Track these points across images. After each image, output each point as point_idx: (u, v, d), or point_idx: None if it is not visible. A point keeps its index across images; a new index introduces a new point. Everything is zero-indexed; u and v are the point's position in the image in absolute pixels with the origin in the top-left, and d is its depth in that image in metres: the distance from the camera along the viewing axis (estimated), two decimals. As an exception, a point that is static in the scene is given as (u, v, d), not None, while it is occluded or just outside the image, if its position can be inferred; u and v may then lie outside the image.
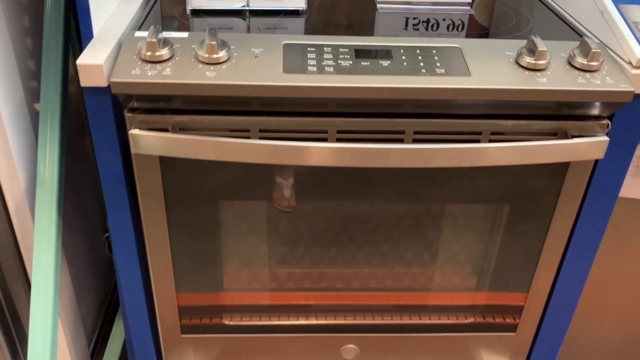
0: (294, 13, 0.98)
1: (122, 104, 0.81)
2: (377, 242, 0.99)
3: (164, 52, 0.79)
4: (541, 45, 0.81)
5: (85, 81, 0.78)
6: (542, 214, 0.94)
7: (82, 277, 1.27)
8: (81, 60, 0.77)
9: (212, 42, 0.79)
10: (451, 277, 1.05)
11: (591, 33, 0.92)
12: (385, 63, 0.82)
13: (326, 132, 0.84)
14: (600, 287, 1.10)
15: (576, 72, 0.82)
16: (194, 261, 0.97)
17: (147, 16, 0.93)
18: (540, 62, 0.81)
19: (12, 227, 1.01)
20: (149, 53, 0.78)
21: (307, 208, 0.95)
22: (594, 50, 0.81)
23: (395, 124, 0.84)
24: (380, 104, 0.82)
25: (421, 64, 0.82)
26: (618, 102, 0.82)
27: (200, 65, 0.79)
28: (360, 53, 0.84)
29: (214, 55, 0.79)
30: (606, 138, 0.84)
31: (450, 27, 0.99)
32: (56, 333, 0.97)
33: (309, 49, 0.83)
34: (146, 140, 0.81)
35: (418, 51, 0.84)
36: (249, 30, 0.92)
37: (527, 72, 0.82)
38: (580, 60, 0.82)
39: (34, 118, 1.01)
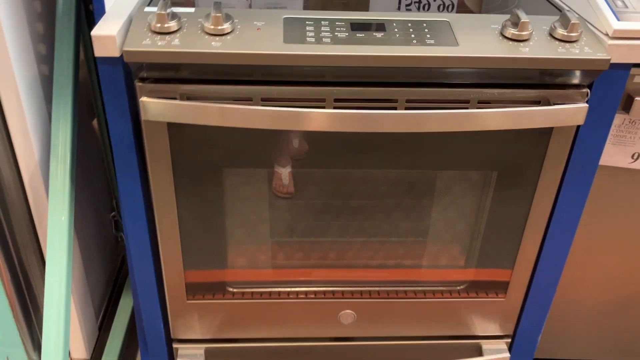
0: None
1: (133, 73, 0.87)
2: (372, 212, 1.05)
3: (173, 24, 0.85)
4: (524, 17, 0.87)
5: (99, 51, 0.84)
6: (528, 179, 1.00)
7: (90, 253, 1.32)
8: (96, 31, 0.83)
9: (218, 14, 0.84)
10: (444, 243, 1.10)
11: (573, 10, 0.98)
12: (379, 35, 0.88)
13: (324, 100, 0.89)
14: (583, 254, 1.15)
15: (557, 42, 0.88)
16: (201, 227, 1.03)
17: (155, -5, 0.99)
18: (523, 32, 0.87)
19: (26, 197, 1.07)
20: (159, 25, 0.84)
21: (305, 179, 1.01)
22: (573, 22, 0.87)
23: (389, 92, 0.89)
24: (374, 74, 0.87)
25: (412, 35, 0.88)
26: (596, 69, 0.87)
27: (206, 37, 0.85)
28: (356, 26, 0.89)
29: (219, 27, 0.85)
30: (586, 105, 0.90)
31: (441, 7, 1.05)
32: (69, 302, 1.02)
33: (307, 22, 0.89)
34: (155, 107, 0.86)
35: (410, 24, 0.90)
36: (251, 7, 0.98)
37: (511, 42, 0.87)
38: (560, 32, 0.88)
39: (48, 96, 1.07)
